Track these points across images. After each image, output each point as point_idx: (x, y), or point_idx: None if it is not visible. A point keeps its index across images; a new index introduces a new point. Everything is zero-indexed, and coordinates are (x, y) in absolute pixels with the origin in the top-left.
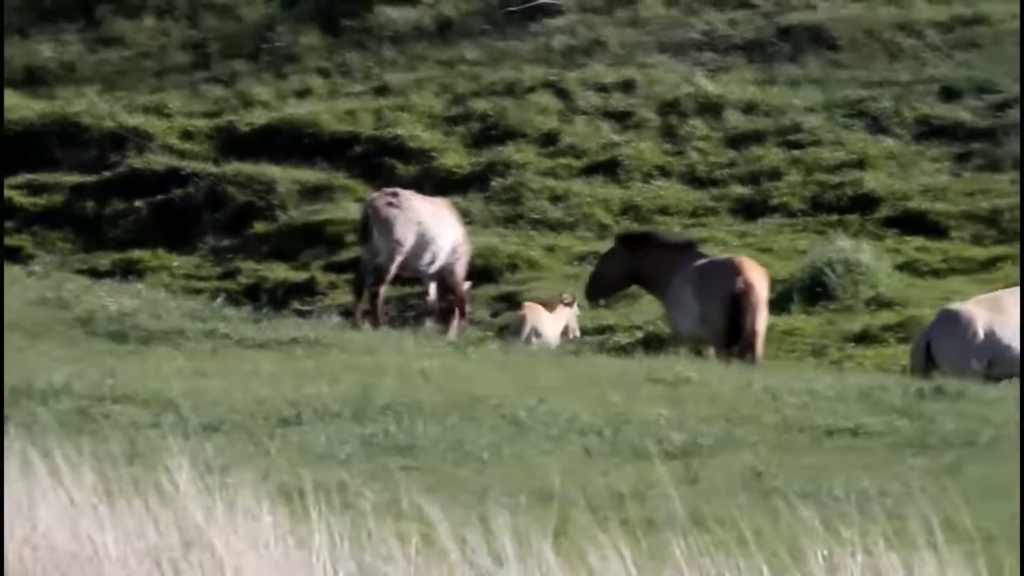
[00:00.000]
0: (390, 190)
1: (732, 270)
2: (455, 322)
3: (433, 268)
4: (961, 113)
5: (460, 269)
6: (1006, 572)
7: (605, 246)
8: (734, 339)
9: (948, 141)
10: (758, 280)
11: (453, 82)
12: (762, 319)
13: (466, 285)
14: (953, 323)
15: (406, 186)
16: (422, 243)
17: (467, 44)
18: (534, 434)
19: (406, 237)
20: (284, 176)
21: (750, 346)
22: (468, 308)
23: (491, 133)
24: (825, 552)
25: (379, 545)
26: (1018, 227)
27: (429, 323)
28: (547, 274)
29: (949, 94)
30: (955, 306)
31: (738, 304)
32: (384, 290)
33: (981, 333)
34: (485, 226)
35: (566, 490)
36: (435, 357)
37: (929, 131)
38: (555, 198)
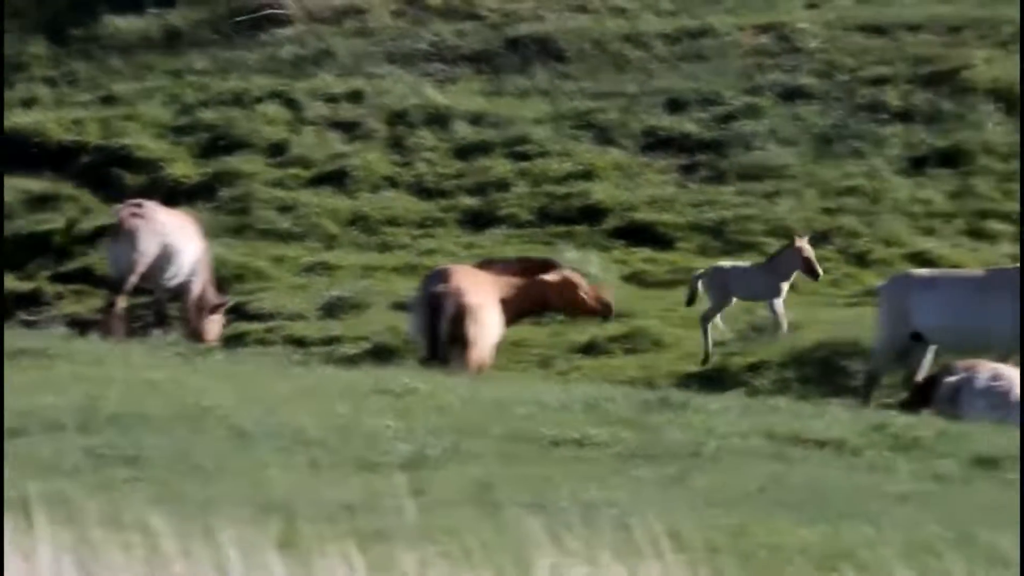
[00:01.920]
0: (135, 201)
1: (438, 278)
2: (212, 325)
3: (174, 282)
4: (687, 124)
5: (196, 285)
6: None
7: (334, 256)
8: (446, 346)
9: (674, 152)
10: (467, 287)
11: (181, 92)
12: (472, 328)
13: (229, 301)
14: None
15: (133, 196)
16: (165, 256)
17: (195, 54)
18: (261, 445)
19: (149, 249)
20: (10, 185)
21: (460, 356)
22: (216, 325)
23: (219, 143)
24: (551, 563)
25: (103, 557)
26: (743, 238)
27: (156, 332)
28: (275, 284)
29: (675, 106)
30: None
31: (435, 311)
32: (122, 301)
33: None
34: (213, 236)
35: (292, 501)
36: (162, 368)
37: (655, 142)
38: (283, 208)
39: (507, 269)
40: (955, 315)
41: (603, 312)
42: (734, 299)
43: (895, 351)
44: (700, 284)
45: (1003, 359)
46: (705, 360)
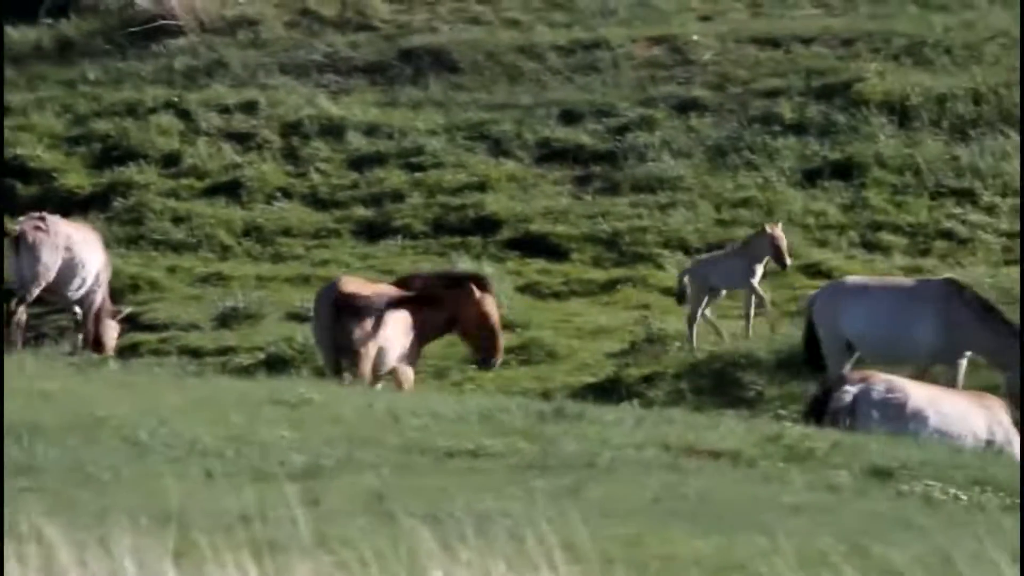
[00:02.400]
0: (37, 215)
1: (331, 287)
2: (110, 334)
3: (80, 293)
4: (581, 136)
5: (98, 296)
6: None
7: (228, 267)
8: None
9: (569, 164)
10: (358, 295)
11: (74, 102)
12: (363, 338)
13: (124, 311)
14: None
15: (27, 207)
16: (70, 269)
17: (88, 64)
18: (155, 455)
19: (53, 262)
20: None
21: (354, 364)
22: (114, 333)
23: (112, 154)
24: (444, 573)
25: None
26: (637, 250)
27: (69, 345)
28: (169, 295)
29: (569, 117)
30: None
31: (334, 319)
32: (22, 312)
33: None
34: (107, 247)
35: (187, 511)
36: (57, 379)
37: (550, 154)
38: (177, 219)
39: (425, 283)
40: (882, 324)
41: (489, 351)
42: (722, 291)
43: (840, 358)
44: (686, 280)
45: (921, 372)
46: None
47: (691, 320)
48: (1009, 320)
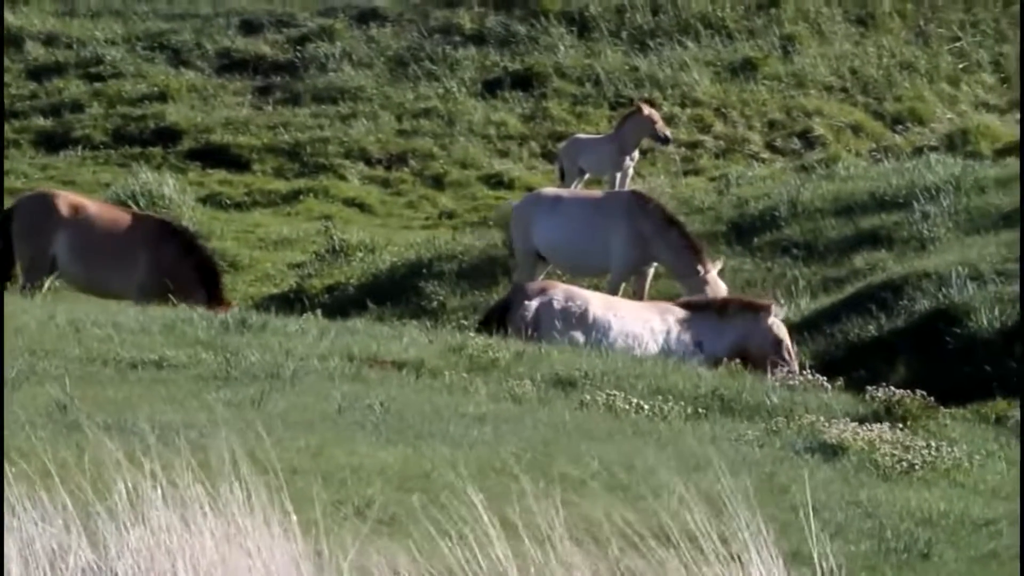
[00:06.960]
0: None
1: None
2: None
3: None
4: (262, 46)
5: None
6: (315, 504)
7: None
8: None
9: (249, 74)
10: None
11: None
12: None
13: None
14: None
15: None
16: None
17: None
18: None
19: None
20: None
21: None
22: None
23: None
24: (130, 484)
25: None
26: (319, 160)
27: None
28: None
29: (249, 27)
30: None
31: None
32: None
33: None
34: None
35: None
36: None
37: (230, 64)
38: None
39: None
40: (574, 235)
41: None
42: (586, 174)
43: (530, 269)
44: (563, 157)
45: (616, 286)
46: None
47: None
48: (688, 233)
